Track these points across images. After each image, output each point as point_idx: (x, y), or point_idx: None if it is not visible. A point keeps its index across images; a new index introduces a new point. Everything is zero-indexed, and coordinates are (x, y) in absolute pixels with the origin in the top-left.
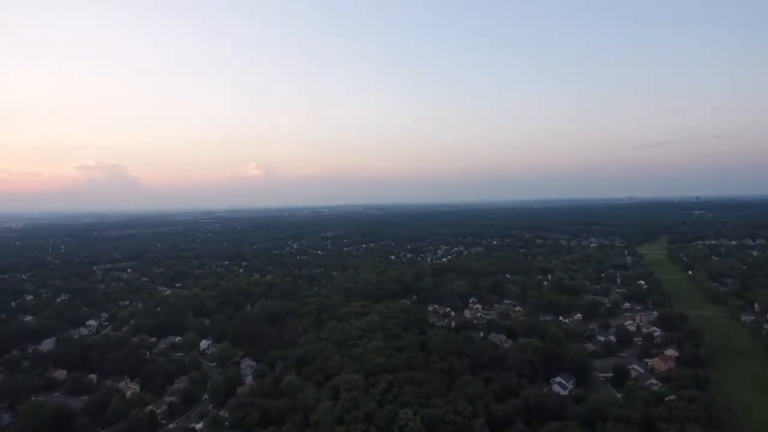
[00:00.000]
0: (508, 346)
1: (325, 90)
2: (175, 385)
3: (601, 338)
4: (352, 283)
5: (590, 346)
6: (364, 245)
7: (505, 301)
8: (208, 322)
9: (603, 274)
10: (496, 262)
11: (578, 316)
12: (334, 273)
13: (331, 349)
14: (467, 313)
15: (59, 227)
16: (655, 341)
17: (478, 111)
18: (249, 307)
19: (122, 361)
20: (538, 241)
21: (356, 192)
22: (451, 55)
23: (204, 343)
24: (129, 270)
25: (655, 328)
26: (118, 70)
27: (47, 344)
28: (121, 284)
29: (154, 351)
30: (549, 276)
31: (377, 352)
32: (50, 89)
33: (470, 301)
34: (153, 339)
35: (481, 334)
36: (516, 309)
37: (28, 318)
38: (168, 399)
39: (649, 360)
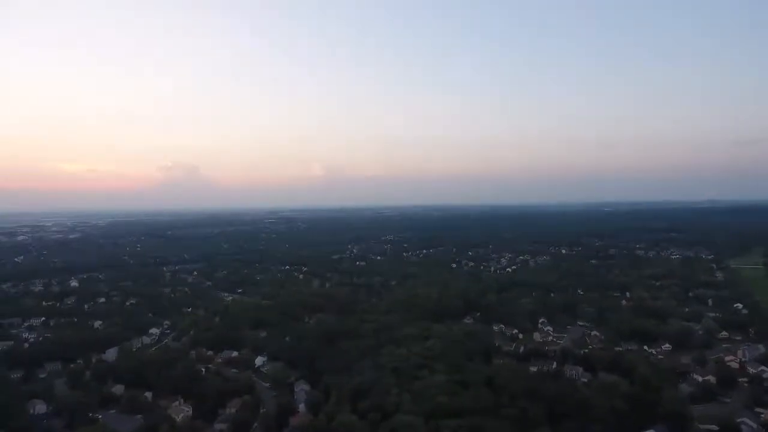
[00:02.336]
0: (585, 380)
1: (387, 90)
2: (228, 410)
3: (698, 377)
4: (412, 297)
5: (685, 387)
6: (424, 251)
7: (578, 323)
8: (264, 334)
9: (691, 294)
10: (566, 275)
11: (667, 346)
12: (393, 282)
13: (388, 381)
14: (537, 336)
15: (139, 225)
16: (766, 384)
17: (541, 110)
18: (306, 319)
19: (177, 379)
20: (612, 250)
21: (417, 192)
22: (518, 52)
23: (259, 360)
24: (195, 273)
25: (763, 367)
26: (193, 74)
27: (111, 353)
28: (186, 289)
29: (210, 366)
30: (627, 294)
31: (439, 388)
32: (134, 93)
33: (539, 321)
34: (210, 353)
35: (554, 364)
36: (592, 334)
37: (97, 323)
38: (218, 426)
39: (763, 412)
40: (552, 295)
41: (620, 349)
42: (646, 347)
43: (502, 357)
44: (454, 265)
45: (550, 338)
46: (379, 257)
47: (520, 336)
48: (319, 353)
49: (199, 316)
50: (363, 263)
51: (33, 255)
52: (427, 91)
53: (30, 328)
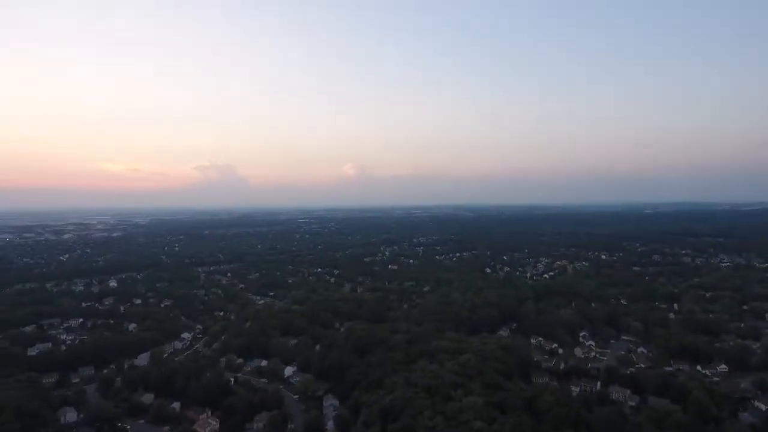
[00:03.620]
0: (633, 404)
1: (418, 91)
2: (255, 424)
3: (761, 405)
4: (445, 306)
5: (746, 417)
6: (457, 254)
7: (623, 337)
8: (295, 341)
9: (746, 307)
10: (607, 284)
11: (722, 367)
12: (426, 288)
13: (421, 401)
14: (578, 352)
15: (178, 224)
16: None
17: (576, 109)
18: (337, 325)
19: (206, 389)
20: (655, 256)
21: (448, 192)
22: (550, 53)
23: (288, 370)
24: (228, 274)
25: None
26: (232, 77)
27: (143, 359)
28: (219, 291)
29: (239, 375)
30: (675, 305)
31: (476, 411)
32: (174, 95)
33: (581, 335)
34: (240, 360)
35: (598, 384)
36: (638, 351)
37: (132, 326)
38: None
39: None
40: (593, 305)
41: (670, 369)
42: (699, 367)
43: (541, 374)
44: (488, 270)
45: (593, 354)
46: (411, 260)
47: (560, 351)
48: (348, 364)
49: (230, 321)
50: (395, 267)
51: (77, 253)
52: (459, 92)
53: (68, 330)
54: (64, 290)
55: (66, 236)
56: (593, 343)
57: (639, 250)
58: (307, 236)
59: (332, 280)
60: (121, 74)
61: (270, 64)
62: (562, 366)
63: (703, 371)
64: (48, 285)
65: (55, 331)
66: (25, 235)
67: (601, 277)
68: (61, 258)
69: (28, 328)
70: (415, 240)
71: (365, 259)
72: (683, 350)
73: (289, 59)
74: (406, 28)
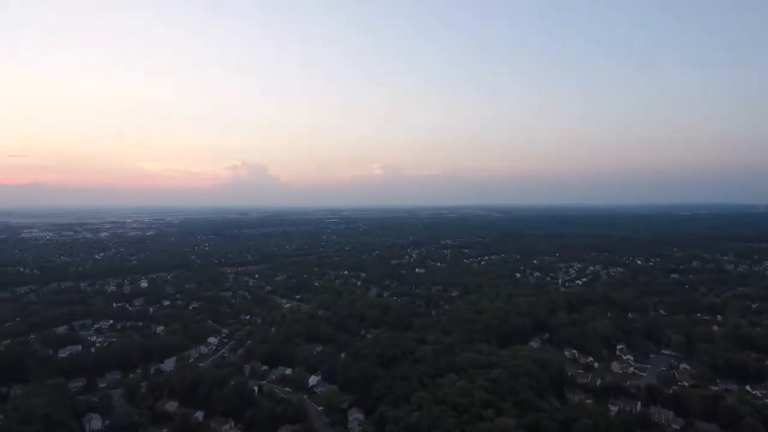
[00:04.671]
0: (677, 428)
1: (446, 90)
2: None
3: None
4: (474, 314)
5: None
6: (486, 257)
7: (663, 352)
8: (320, 348)
9: None
10: (644, 292)
11: None
12: (454, 293)
13: (449, 420)
14: (615, 367)
15: (208, 223)
16: None
17: (608, 108)
18: (363, 332)
19: (229, 399)
20: (695, 262)
21: (477, 192)
22: (586, 52)
23: (313, 380)
24: (256, 275)
25: None
26: (262, 78)
27: (168, 364)
28: (246, 294)
29: (263, 383)
30: (719, 317)
31: None
32: (206, 96)
33: (618, 348)
34: (265, 368)
35: (639, 405)
36: (681, 367)
37: (160, 328)
38: None
39: None
40: (630, 315)
41: (716, 388)
42: (748, 388)
43: (576, 391)
44: (518, 275)
45: (631, 370)
46: (438, 263)
47: (596, 365)
48: (374, 376)
49: (255, 326)
50: (422, 270)
51: (112, 252)
52: (490, 91)
53: (98, 331)
54: (97, 290)
55: (102, 234)
56: (631, 358)
57: (677, 255)
58: (334, 237)
59: (358, 283)
60: (159, 76)
61: (301, 65)
62: (598, 382)
63: (753, 392)
64: (82, 284)
65: (85, 332)
66: (65, 233)
67: (637, 285)
68: (96, 257)
69: (60, 329)
70: (442, 242)
71: (392, 262)
72: (730, 368)
73: (320, 59)
74: (436, 29)
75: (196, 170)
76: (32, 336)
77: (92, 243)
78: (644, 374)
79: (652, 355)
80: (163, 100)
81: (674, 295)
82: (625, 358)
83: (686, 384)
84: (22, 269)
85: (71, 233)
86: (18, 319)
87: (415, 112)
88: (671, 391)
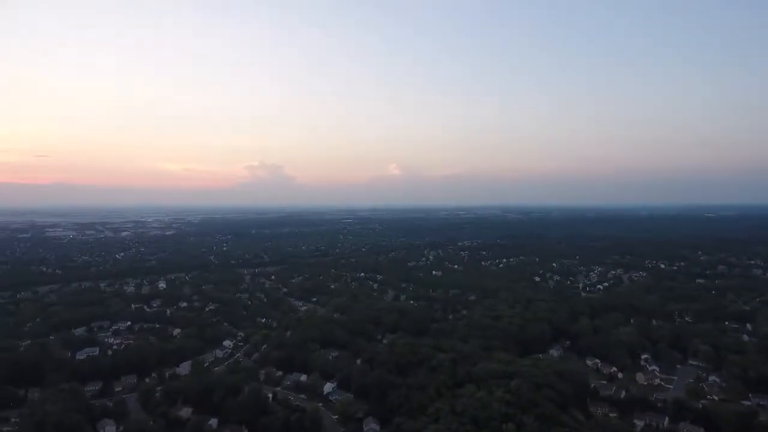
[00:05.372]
0: None
1: (465, 90)
2: None
3: None
4: (492, 320)
5: None
6: (504, 259)
7: (690, 362)
8: (335, 354)
9: None
10: (669, 298)
11: None
12: (472, 297)
13: None
14: (640, 378)
15: (227, 222)
16: None
17: (630, 107)
18: (379, 336)
19: (243, 406)
20: (721, 267)
21: (494, 192)
22: (601, 50)
23: (328, 387)
24: (272, 277)
25: None
26: (279, 78)
27: (184, 368)
28: (262, 296)
29: (278, 390)
30: (748, 326)
31: None
32: (224, 97)
33: (642, 357)
34: (279, 373)
35: (666, 420)
36: (710, 380)
37: (176, 331)
38: None
39: None
40: (654, 322)
41: (748, 403)
42: None
43: (600, 404)
44: (537, 278)
45: (657, 381)
46: (455, 266)
47: (620, 375)
48: (390, 384)
49: (270, 330)
50: (439, 273)
51: (132, 252)
52: (507, 91)
53: (116, 333)
54: (116, 290)
55: (124, 234)
56: (657, 368)
57: (702, 259)
58: (351, 237)
59: (375, 285)
60: (179, 78)
61: (319, 65)
62: (623, 394)
63: None
64: (102, 284)
65: (103, 334)
66: (88, 232)
67: (661, 290)
68: (117, 256)
69: (79, 330)
70: (459, 243)
71: (409, 264)
72: (762, 381)
73: (338, 59)
74: (454, 29)
75: (215, 170)
76: (51, 337)
77: (113, 242)
78: (671, 386)
79: (678, 366)
80: (182, 101)
81: (700, 301)
82: (650, 368)
83: (716, 398)
84: (45, 269)
85: (93, 232)
86: (38, 319)
87: (433, 112)
88: (700, 406)
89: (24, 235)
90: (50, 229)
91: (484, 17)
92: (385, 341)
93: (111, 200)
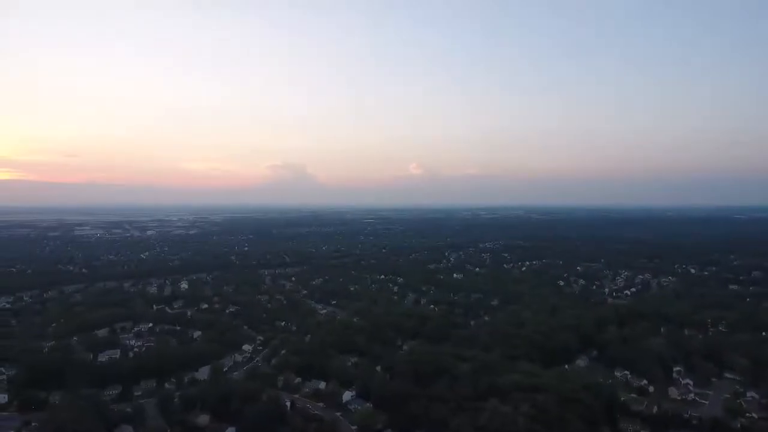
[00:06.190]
0: None
1: (485, 90)
2: None
3: None
4: (515, 328)
5: None
6: (527, 262)
7: (725, 375)
8: (354, 360)
9: None
10: (701, 306)
11: None
12: (494, 302)
13: None
14: (673, 392)
15: (249, 222)
16: None
17: (653, 105)
18: (399, 342)
19: (260, 415)
20: (756, 273)
21: (516, 192)
22: (617, 51)
23: (347, 395)
24: (293, 278)
25: None
26: (301, 79)
27: (203, 372)
28: (282, 298)
29: (297, 397)
30: None
31: None
32: (249, 97)
33: (675, 370)
34: (298, 380)
35: None
36: (748, 395)
37: (197, 333)
38: None
39: None
40: (686, 332)
41: None
42: None
43: (631, 420)
44: (561, 283)
45: (691, 396)
46: (477, 269)
47: (651, 389)
48: (410, 395)
49: (290, 334)
50: (460, 275)
51: (156, 251)
52: (529, 89)
53: (138, 335)
54: (139, 290)
55: (149, 233)
56: (690, 382)
57: (734, 263)
58: (371, 238)
59: (395, 288)
60: (202, 80)
61: (340, 65)
62: (654, 410)
63: None
64: (126, 284)
65: (125, 335)
66: (114, 231)
67: (693, 297)
68: (142, 256)
69: (102, 332)
70: (481, 245)
71: (429, 266)
72: None
73: (358, 59)
74: (474, 28)
75: (239, 170)
76: (75, 338)
77: (138, 241)
78: (706, 402)
79: (713, 380)
80: (208, 102)
81: (735, 309)
82: (683, 382)
83: (755, 416)
84: (71, 267)
85: (120, 231)
86: (63, 320)
87: (454, 112)
88: (739, 425)
89: (53, 234)
90: (78, 228)
91: (506, 19)
92: (405, 347)
93: (138, 199)
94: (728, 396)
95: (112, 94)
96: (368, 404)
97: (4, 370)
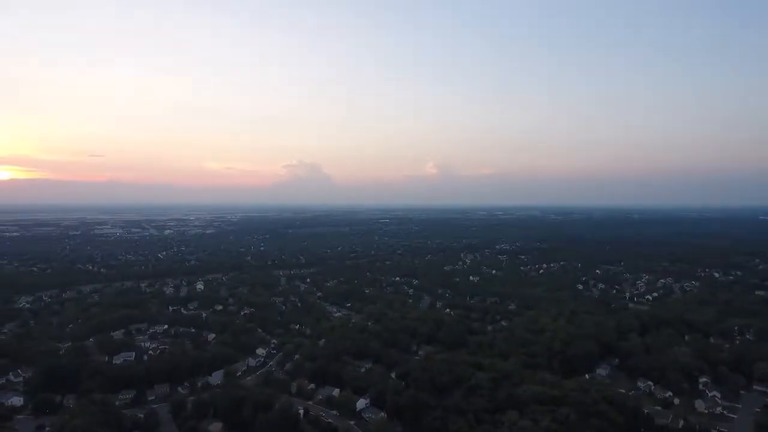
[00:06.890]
0: None
1: (501, 90)
2: None
3: None
4: (534, 335)
5: None
6: (544, 264)
7: (755, 387)
8: (369, 366)
9: None
10: (726, 312)
11: None
12: (511, 306)
13: None
14: (700, 405)
15: (265, 221)
16: None
17: (669, 106)
18: (414, 347)
19: (273, 424)
20: None
21: (533, 192)
22: (628, 53)
23: (361, 403)
24: (308, 280)
25: None
26: (317, 79)
27: (216, 377)
28: (297, 301)
29: (310, 404)
30: None
31: None
32: (264, 97)
33: (701, 381)
34: (312, 386)
35: None
36: None
37: (211, 336)
38: None
39: None
40: (711, 340)
41: None
42: None
43: None
44: (580, 286)
45: (719, 409)
46: (494, 271)
47: (676, 401)
48: (426, 405)
49: (304, 338)
50: (476, 278)
51: (173, 251)
52: (546, 90)
53: (152, 337)
54: (155, 291)
55: (166, 232)
56: (718, 394)
57: (760, 267)
58: (386, 238)
59: (410, 291)
60: (221, 81)
61: (354, 65)
62: (680, 424)
63: None
64: (143, 284)
65: (141, 337)
66: (133, 230)
67: (717, 303)
68: (159, 255)
69: (117, 333)
70: (497, 246)
71: (445, 268)
72: None
73: (373, 59)
74: (491, 27)
75: (255, 169)
76: (91, 339)
77: (156, 241)
78: (734, 416)
79: (742, 392)
80: (225, 103)
81: (762, 316)
82: (710, 394)
83: None
84: (90, 267)
85: (139, 230)
86: (79, 320)
87: (470, 111)
88: None
89: (74, 233)
90: (98, 227)
91: (524, 19)
92: (420, 353)
93: (157, 198)
94: (758, 410)
95: (135, 95)
96: (382, 413)
97: (21, 372)
